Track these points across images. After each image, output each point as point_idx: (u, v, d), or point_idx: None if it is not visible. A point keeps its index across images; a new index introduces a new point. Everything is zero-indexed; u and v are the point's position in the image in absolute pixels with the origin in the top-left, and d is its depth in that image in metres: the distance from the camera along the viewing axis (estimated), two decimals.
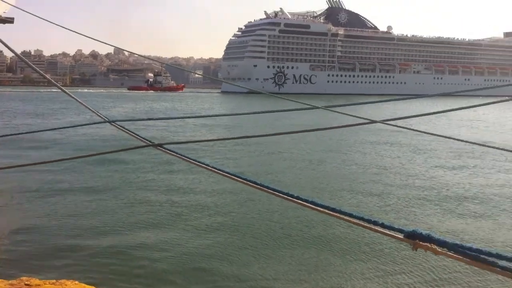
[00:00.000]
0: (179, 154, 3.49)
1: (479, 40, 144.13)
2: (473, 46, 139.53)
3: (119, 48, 5.55)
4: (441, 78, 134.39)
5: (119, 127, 3.73)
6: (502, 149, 3.13)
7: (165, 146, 3.56)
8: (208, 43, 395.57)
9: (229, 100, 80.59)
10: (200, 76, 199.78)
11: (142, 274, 7.58)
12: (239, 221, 10.46)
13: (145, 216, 10.64)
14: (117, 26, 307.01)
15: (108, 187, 13.47)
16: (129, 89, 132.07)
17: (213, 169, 3.28)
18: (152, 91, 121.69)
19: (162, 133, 25.70)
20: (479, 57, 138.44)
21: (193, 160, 3.46)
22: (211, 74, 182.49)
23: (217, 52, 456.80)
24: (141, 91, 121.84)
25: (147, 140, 3.59)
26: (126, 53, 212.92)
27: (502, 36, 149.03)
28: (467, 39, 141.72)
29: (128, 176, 14.86)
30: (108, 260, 8.08)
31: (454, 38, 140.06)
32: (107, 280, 7.19)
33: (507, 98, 2.64)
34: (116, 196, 12.37)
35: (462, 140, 3.37)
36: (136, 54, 4.85)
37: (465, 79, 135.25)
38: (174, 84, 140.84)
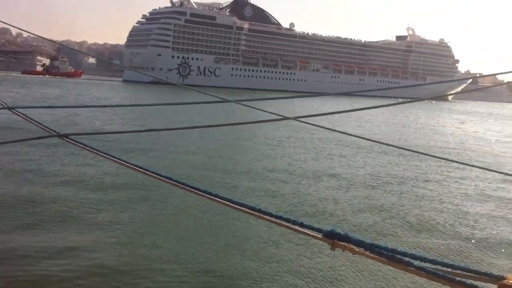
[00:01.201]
0: (86, 146, 3.34)
1: (373, 42, 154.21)
2: (368, 47, 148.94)
3: (8, 24, 5.03)
4: (338, 77, 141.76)
5: (21, 115, 3.46)
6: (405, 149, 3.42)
7: (71, 137, 3.39)
8: (103, 28, 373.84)
9: (133, 89, 77.44)
10: (94, 61, 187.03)
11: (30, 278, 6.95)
12: (145, 218, 10.13)
13: (39, 214, 9.92)
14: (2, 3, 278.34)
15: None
16: (22, 72, 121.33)
17: (122, 162, 3.19)
18: (49, 76, 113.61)
19: (62, 123, 23.87)
20: (373, 59, 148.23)
21: (102, 152, 3.34)
22: (104, 60, 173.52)
23: (112, 37, 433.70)
24: (37, 76, 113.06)
25: (52, 130, 3.38)
26: (14, 33, 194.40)
27: (394, 39, 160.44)
28: (363, 41, 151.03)
29: (30, 168, 13.70)
30: None
31: (351, 39, 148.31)
32: None
33: (408, 100, 2.90)
34: (11, 192, 11.34)
35: (371, 140, 3.64)
36: (29, 32, 4.47)
37: (360, 79, 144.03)
38: (72, 70, 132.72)
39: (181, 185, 2.68)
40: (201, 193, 2.55)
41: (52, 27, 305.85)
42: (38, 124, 3.36)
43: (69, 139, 3.35)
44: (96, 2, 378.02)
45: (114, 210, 10.46)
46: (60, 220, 9.50)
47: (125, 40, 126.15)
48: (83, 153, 13.83)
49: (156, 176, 2.85)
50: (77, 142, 3.37)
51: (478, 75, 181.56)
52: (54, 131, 3.47)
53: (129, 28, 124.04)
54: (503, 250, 9.45)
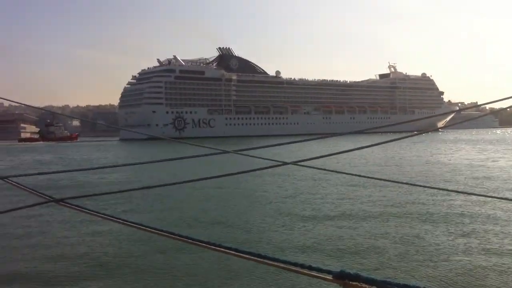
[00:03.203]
0: (83, 208, 3.29)
1: (358, 82, 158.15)
2: (353, 87, 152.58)
3: None
4: (330, 118, 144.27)
5: (13, 183, 3.42)
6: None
7: (67, 200, 3.34)
8: (83, 91, 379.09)
9: (130, 148, 77.71)
10: (78, 124, 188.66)
11: None
12: (155, 277, 9.84)
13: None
14: None
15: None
16: (19, 141, 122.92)
17: (121, 221, 3.13)
18: (45, 142, 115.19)
19: (62, 187, 23.62)
20: (361, 97, 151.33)
21: (100, 213, 3.28)
22: (89, 122, 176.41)
23: (94, 99, 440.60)
24: (34, 142, 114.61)
25: (47, 195, 3.34)
26: None
27: (378, 78, 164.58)
28: (348, 81, 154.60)
29: (29, 237, 13.43)
30: None
31: (337, 80, 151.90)
32: None
33: (410, 134, 2.91)
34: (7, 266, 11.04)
35: (368, 177, 3.60)
36: (11, 100, 4.48)
37: (351, 118, 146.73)
38: (68, 134, 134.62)
39: (185, 239, 2.63)
40: (205, 245, 2.50)
41: (32, 94, 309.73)
42: (33, 191, 3.33)
43: (65, 203, 3.31)
44: (73, 68, 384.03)
45: (121, 269, 10.18)
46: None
47: (110, 101, 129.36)
48: (81, 216, 13.62)
49: (159, 232, 2.79)
50: (73, 205, 3.34)
51: (459, 104, 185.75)
52: (50, 197, 3.44)
53: (110, 89, 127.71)
54: None
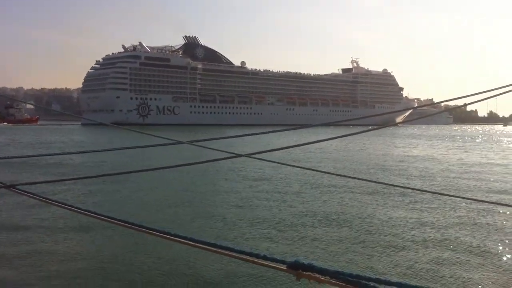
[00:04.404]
0: (35, 195, 3.26)
1: (322, 75, 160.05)
2: (317, 80, 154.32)
3: None
4: (293, 109, 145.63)
5: None
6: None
7: (19, 187, 3.30)
8: (38, 73, 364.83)
9: (91, 132, 75.66)
10: (32, 107, 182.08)
11: None
12: (105, 265, 9.75)
13: None
14: None
15: None
16: None
17: (73, 208, 3.12)
18: (5, 124, 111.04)
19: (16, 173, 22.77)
20: (324, 91, 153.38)
21: (52, 200, 3.25)
22: (44, 105, 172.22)
23: (49, 81, 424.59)
24: None
25: None
26: None
27: (340, 72, 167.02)
28: (312, 74, 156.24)
29: None
30: None
31: (301, 73, 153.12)
32: None
33: (370, 128, 3.03)
34: None
35: (318, 171, 3.71)
36: None
37: (313, 110, 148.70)
38: (28, 116, 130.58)
39: (138, 228, 2.64)
40: (158, 233, 2.51)
41: None
42: None
43: (16, 189, 3.27)
44: (29, 49, 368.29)
45: (66, 255, 10.03)
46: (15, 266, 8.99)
47: (66, 84, 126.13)
48: (33, 202, 13.28)
49: (110, 220, 2.79)
50: (25, 191, 3.29)
51: (416, 100, 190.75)
52: (0, 182, 3.38)
53: (68, 72, 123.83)
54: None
